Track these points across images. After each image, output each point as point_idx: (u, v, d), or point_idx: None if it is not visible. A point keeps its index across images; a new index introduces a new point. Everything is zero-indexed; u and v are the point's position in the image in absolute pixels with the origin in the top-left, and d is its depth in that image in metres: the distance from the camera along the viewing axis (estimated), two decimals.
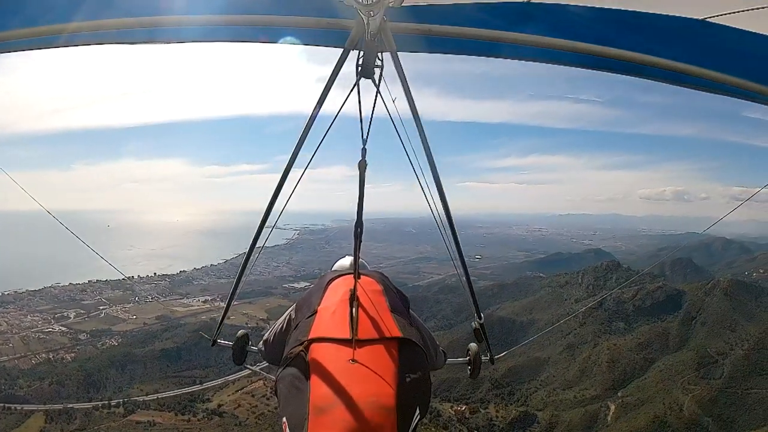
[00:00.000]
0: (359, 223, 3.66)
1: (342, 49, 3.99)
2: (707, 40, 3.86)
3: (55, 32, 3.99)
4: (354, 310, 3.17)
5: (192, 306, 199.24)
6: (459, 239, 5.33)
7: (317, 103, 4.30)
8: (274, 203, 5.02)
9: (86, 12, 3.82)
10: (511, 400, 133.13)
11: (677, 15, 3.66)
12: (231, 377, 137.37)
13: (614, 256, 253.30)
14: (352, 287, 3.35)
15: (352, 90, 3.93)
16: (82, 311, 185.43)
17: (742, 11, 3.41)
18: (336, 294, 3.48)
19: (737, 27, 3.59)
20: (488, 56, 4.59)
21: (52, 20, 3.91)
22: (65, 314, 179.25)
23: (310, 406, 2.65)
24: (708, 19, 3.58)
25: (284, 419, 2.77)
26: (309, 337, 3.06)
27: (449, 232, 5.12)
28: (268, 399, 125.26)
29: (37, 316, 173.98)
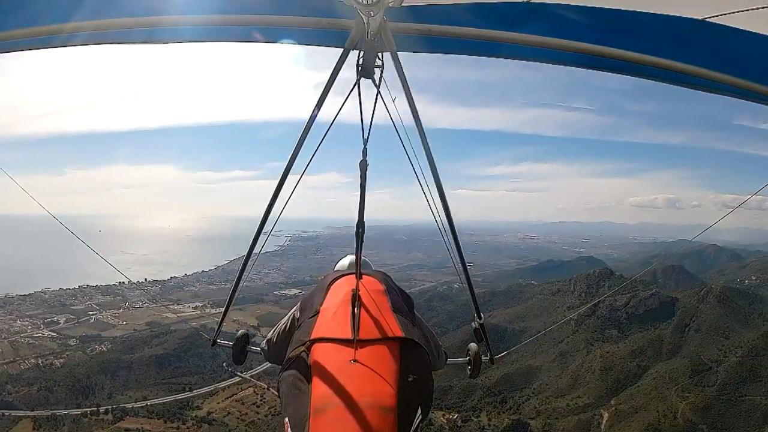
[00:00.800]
0: (360, 223, 3.68)
1: (342, 49, 4.01)
2: (707, 40, 3.86)
3: (54, 32, 3.96)
4: (356, 310, 3.24)
5: (183, 312, 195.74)
6: (458, 238, 5.28)
7: (317, 104, 4.28)
8: (272, 207, 5.03)
9: (85, 12, 3.77)
10: (503, 408, 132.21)
11: (677, 15, 3.65)
12: (221, 384, 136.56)
13: (606, 264, 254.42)
14: (355, 287, 3.41)
15: (352, 90, 3.98)
16: (72, 316, 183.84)
17: (742, 11, 3.42)
18: (338, 294, 3.53)
19: (737, 27, 3.59)
20: (488, 56, 4.58)
21: (51, 20, 3.86)
22: (55, 319, 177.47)
23: (311, 407, 2.69)
24: (708, 19, 3.58)
25: (286, 419, 2.82)
26: (311, 338, 3.12)
27: (449, 232, 5.09)
28: (258, 407, 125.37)
29: (27, 321, 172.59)
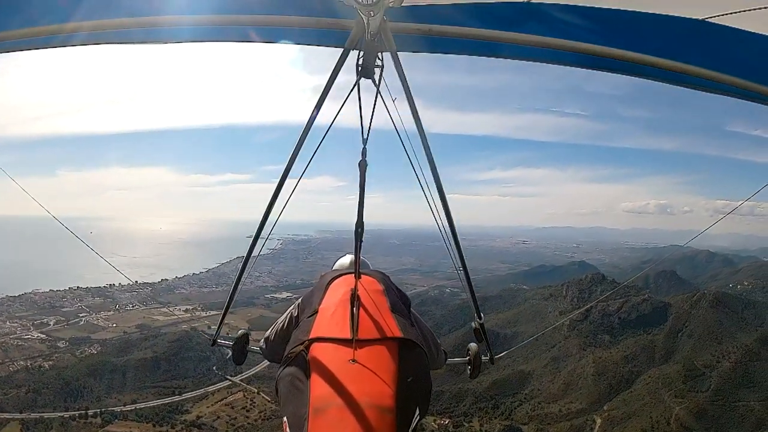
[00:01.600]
0: (360, 222, 3.70)
1: (342, 50, 4.00)
2: (707, 40, 3.89)
3: (53, 32, 3.94)
4: (355, 309, 3.24)
5: (173, 315, 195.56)
6: (459, 239, 5.20)
7: (316, 104, 4.29)
8: (271, 210, 5.00)
9: (84, 12, 3.78)
10: (495, 413, 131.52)
11: (677, 15, 3.69)
12: (211, 388, 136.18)
13: (598, 269, 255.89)
14: (353, 287, 3.42)
15: (352, 90, 3.99)
16: (61, 318, 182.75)
17: (742, 11, 3.46)
18: (337, 294, 3.53)
19: (737, 27, 3.63)
20: (488, 56, 4.58)
21: (49, 20, 3.85)
22: (44, 321, 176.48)
23: (310, 406, 2.70)
24: (708, 19, 3.62)
25: (284, 419, 2.84)
26: (309, 337, 3.12)
27: (450, 233, 5.04)
28: (247, 411, 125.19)
29: (16, 323, 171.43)
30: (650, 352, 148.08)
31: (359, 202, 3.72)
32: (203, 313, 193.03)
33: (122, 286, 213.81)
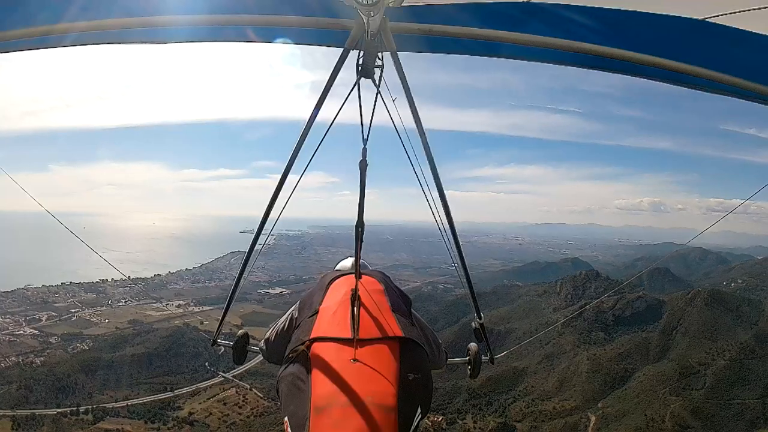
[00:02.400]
0: (360, 223, 3.69)
1: (342, 49, 4.04)
2: (707, 40, 3.92)
3: (51, 32, 3.93)
4: (356, 309, 3.27)
5: (165, 310, 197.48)
6: (459, 238, 5.35)
7: (317, 104, 4.33)
8: (272, 207, 5.08)
9: (82, 12, 3.80)
10: (489, 410, 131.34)
11: (677, 15, 3.70)
12: (203, 384, 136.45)
13: (591, 266, 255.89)
14: (354, 287, 3.42)
15: (352, 90, 3.99)
16: (54, 314, 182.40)
17: (742, 11, 3.48)
18: (337, 294, 3.56)
19: (737, 27, 3.66)
20: (488, 56, 4.62)
21: (47, 21, 3.84)
22: (37, 317, 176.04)
23: (311, 406, 2.72)
24: (708, 19, 3.64)
25: (286, 419, 2.85)
26: (310, 337, 3.14)
27: (449, 232, 5.17)
28: (240, 407, 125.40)
29: (8, 318, 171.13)
30: (645, 349, 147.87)
31: (360, 203, 3.66)
32: (196, 309, 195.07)
33: (115, 281, 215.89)
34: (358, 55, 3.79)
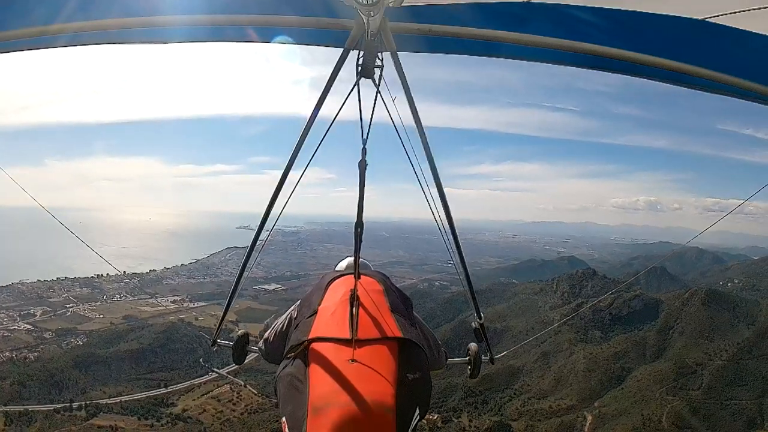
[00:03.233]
0: (359, 223, 3.70)
1: (342, 49, 4.05)
2: (707, 40, 3.92)
3: (50, 33, 4.00)
4: (354, 310, 3.24)
5: (160, 306, 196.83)
6: (459, 238, 5.45)
7: (317, 103, 4.33)
8: (273, 205, 5.07)
9: (82, 12, 3.83)
10: (484, 409, 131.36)
11: (677, 15, 3.70)
12: (197, 381, 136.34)
13: (588, 264, 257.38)
14: (353, 287, 3.42)
15: (352, 90, 3.98)
16: (48, 309, 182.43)
17: (742, 11, 3.48)
18: (336, 294, 3.54)
19: (737, 27, 3.66)
20: (488, 56, 4.63)
21: (47, 21, 3.89)
22: (31, 312, 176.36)
23: (309, 406, 2.71)
24: (708, 19, 3.64)
25: (283, 419, 2.84)
26: (309, 337, 3.13)
27: (449, 232, 5.19)
28: (234, 404, 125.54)
29: (3, 314, 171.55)
30: (641, 348, 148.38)
31: (359, 203, 3.66)
32: (191, 305, 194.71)
33: (110, 276, 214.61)
34: (358, 55, 3.79)
